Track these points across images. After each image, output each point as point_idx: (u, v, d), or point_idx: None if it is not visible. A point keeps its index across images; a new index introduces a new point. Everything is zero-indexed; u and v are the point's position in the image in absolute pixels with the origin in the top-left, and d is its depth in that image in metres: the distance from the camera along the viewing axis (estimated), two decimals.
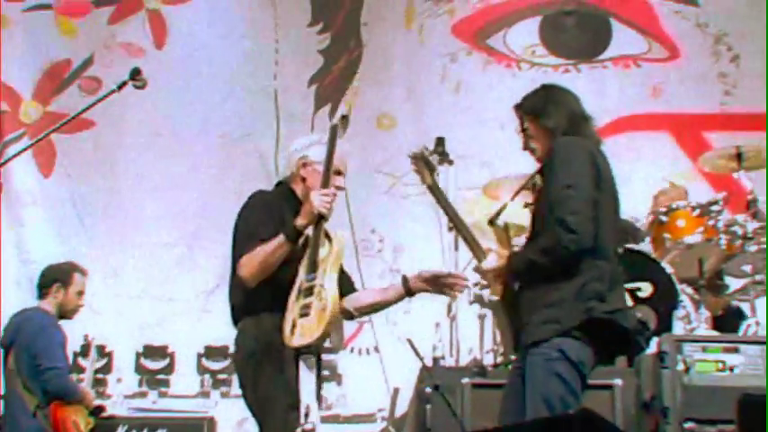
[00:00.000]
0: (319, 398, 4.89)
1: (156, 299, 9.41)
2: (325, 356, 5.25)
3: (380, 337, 6.87)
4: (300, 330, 4.67)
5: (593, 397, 5.16)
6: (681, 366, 6.00)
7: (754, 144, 7.61)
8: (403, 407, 7.29)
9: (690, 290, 7.24)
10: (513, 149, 5.07)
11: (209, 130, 9.91)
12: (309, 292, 4.74)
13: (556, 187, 4.52)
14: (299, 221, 4.85)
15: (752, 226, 7.15)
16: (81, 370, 7.73)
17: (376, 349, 7.28)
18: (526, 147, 4.83)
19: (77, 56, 10.02)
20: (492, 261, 4.75)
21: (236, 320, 5.04)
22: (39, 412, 6.61)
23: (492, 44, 10.06)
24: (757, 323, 7.01)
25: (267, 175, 9.11)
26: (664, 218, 7.35)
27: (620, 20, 9.99)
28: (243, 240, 4.95)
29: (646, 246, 7.49)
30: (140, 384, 8.72)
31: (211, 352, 8.88)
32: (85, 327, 7.81)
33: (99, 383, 8.39)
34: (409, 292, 5.12)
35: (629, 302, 6.72)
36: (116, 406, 8.00)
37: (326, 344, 4.83)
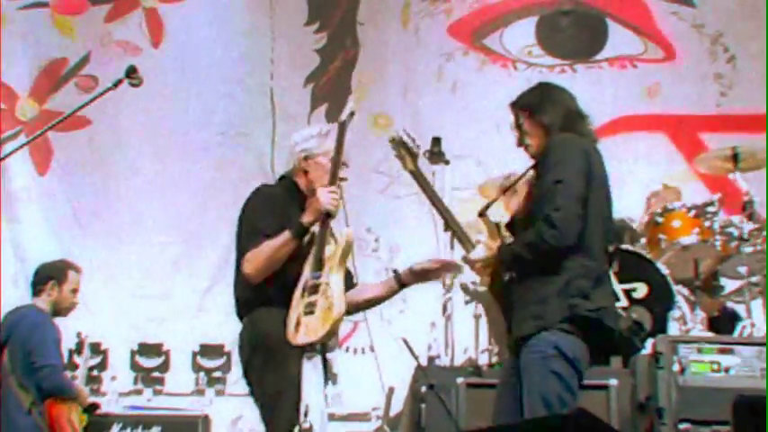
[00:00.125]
0: (326, 396, 4.86)
1: (152, 297, 9.40)
2: None
3: (376, 336, 6.85)
4: (305, 328, 4.67)
5: (588, 397, 5.16)
6: (676, 367, 6.00)
7: (750, 145, 7.62)
8: (398, 406, 7.29)
9: (685, 291, 7.26)
10: (509, 149, 5.07)
11: (206, 129, 9.90)
12: (314, 290, 4.73)
13: (546, 183, 4.54)
14: (306, 218, 4.84)
15: (747, 227, 7.16)
16: (76, 367, 7.72)
17: (371, 348, 7.27)
18: (520, 143, 4.84)
19: (74, 54, 10.02)
20: (480, 252, 4.74)
21: (240, 315, 5.01)
22: (33, 410, 6.60)
23: (488, 44, 10.06)
24: (752, 325, 7.02)
25: (263, 173, 9.12)
26: (659, 219, 7.36)
27: (616, 20, 9.99)
28: (247, 236, 4.93)
29: (641, 247, 7.49)
30: (135, 382, 8.72)
31: (206, 350, 8.88)
32: (81, 324, 7.81)
33: (94, 381, 8.39)
34: (402, 285, 5.13)
35: (625, 303, 6.77)
36: (111, 403, 8.00)
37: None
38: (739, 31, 9.83)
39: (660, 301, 6.89)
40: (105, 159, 9.80)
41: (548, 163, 4.60)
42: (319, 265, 4.79)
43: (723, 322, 7.44)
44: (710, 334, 6.89)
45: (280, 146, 9.51)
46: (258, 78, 10.05)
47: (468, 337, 7.42)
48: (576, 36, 10.05)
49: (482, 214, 4.91)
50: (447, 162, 7.50)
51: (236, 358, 8.82)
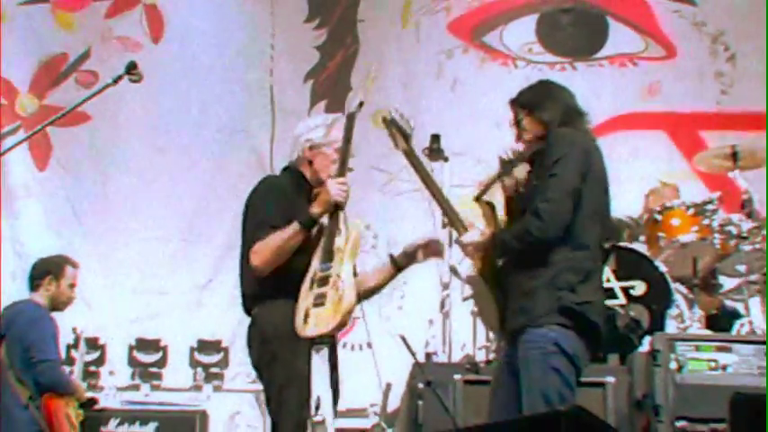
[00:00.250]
0: (336, 390, 4.85)
1: (150, 292, 9.40)
2: None
3: (373, 332, 6.82)
4: (314, 320, 4.64)
5: (585, 394, 5.16)
6: (674, 365, 6.01)
7: (750, 143, 7.61)
8: (395, 402, 7.31)
9: (683, 289, 7.26)
10: (509, 147, 5.06)
11: (205, 125, 9.90)
12: (324, 281, 4.70)
13: (543, 176, 4.55)
14: (315, 210, 4.83)
15: (746, 225, 7.16)
16: (74, 362, 7.72)
17: (368, 345, 7.26)
18: (519, 139, 4.84)
19: (74, 49, 10.01)
20: (473, 235, 4.72)
21: (248, 309, 4.99)
22: (31, 404, 6.61)
23: (488, 42, 10.05)
24: (750, 323, 7.02)
25: (263, 170, 9.11)
26: (658, 216, 7.35)
27: (616, 18, 9.99)
28: (254, 227, 4.90)
29: (640, 244, 7.49)
30: (133, 377, 8.72)
31: (204, 346, 8.88)
32: (79, 319, 7.81)
33: (92, 376, 8.39)
34: (399, 269, 5.13)
35: (623, 300, 6.77)
36: (108, 398, 7.99)
37: None
38: (740, 29, 9.82)
39: (658, 299, 6.89)
40: (105, 155, 9.80)
41: (547, 157, 4.60)
42: (329, 256, 4.76)
43: (721, 320, 7.44)
44: (708, 332, 6.89)
45: (279, 142, 9.51)
46: (258, 75, 10.05)
47: (465, 333, 7.43)
48: (576, 34, 10.04)
49: (478, 198, 4.90)
50: (446, 159, 7.51)
51: (233, 354, 8.95)
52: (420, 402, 6.19)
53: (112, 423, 7.49)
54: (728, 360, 6.05)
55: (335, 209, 4.83)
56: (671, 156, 9.61)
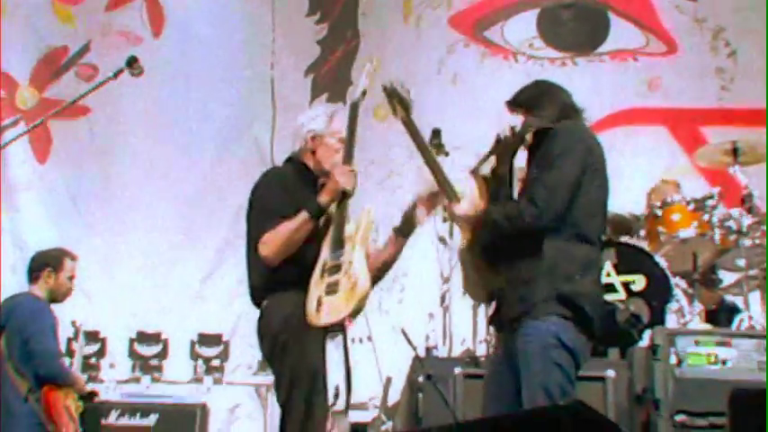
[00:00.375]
0: (349, 380, 4.83)
1: (151, 285, 9.41)
2: None
3: (374, 326, 6.87)
4: (327, 308, 4.63)
5: (585, 388, 5.17)
6: (673, 359, 6.00)
7: (750, 139, 7.61)
8: (395, 396, 7.29)
9: (683, 284, 7.26)
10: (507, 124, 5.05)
11: (206, 119, 9.90)
12: (336, 269, 4.70)
13: (543, 165, 4.55)
14: (323, 198, 4.83)
15: (746, 221, 7.16)
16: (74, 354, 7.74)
17: (369, 338, 7.28)
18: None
19: (74, 43, 10.02)
20: (464, 207, 4.70)
21: (256, 301, 4.97)
22: (30, 396, 6.61)
23: (489, 36, 10.05)
24: (750, 317, 7.02)
25: (263, 163, 9.12)
26: (658, 212, 7.36)
27: (618, 13, 9.99)
28: (262, 219, 4.89)
29: (640, 239, 7.49)
30: (133, 370, 8.73)
31: (205, 338, 8.89)
32: (79, 312, 7.82)
33: (92, 368, 8.40)
34: (405, 237, 5.06)
35: (623, 295, 6.78)
36: (109, 391, 8.00)
37: None
38: (741, 25, 9.83)
39: (658, 294, 6.88)
40: (105, 148, 9.81)
41: (550, 148, 4.59)
42: (340, 244, 4.76)
43: (721, 315, 7.45)
44: (708, 326, 6.90)
45: (279, 135, 9.51)
46: (259, 68, 10.05)
47: (465, 327, 7.42)
48: (577, 29, 10.04)
49: (474, 171, 4.89)
50: (447, 154, 7.49)
51: (233, 347, 8.95)
52: (420, 396, 6.19)
53: (113, 415, 7.51)
54: (728, 355, 6.04)
55: (343, 197, 4.84)
56: (671, 151, 9.62)
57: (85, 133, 9.80)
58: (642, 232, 7.55)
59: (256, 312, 5.04)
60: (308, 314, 4.68)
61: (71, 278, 7.03)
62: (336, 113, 5.14)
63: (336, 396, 4.60)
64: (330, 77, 9.99)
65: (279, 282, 4.84)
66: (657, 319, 6.80)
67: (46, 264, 6.98)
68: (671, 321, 6.90)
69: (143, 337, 8.91)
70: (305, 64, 10.06)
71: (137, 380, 8.66)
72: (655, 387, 5.98)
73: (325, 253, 4.80)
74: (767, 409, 4.29)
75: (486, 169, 4.87)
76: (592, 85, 9.46)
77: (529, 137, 4.73)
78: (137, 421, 7.53)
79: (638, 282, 6.88)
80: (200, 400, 7.89)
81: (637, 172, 8.76)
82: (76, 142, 9.81)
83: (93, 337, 8.53)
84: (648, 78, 9.86)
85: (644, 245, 7.32)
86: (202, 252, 9.51)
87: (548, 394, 4.39)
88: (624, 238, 7.32)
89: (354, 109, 4.98)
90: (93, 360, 8.53)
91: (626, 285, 6.84)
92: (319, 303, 4.66)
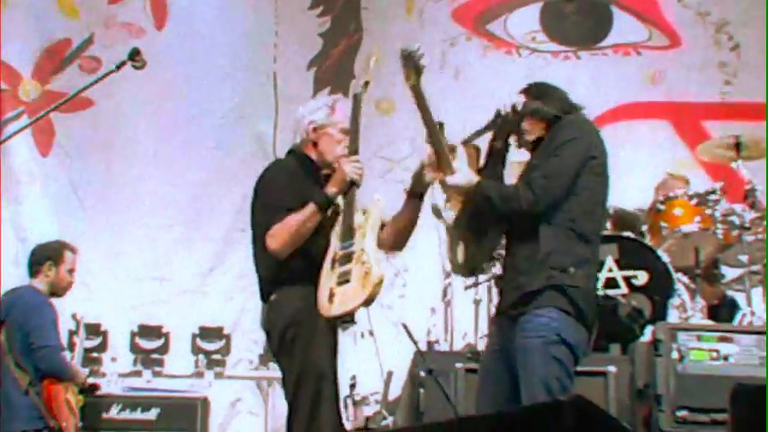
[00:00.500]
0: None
1: (152, 279, 9.42)
2: None
3: (375, 321, 6.86)
4: (340, 298, 4.61)
5: (586, 384, 5.17)
6: (675, 355, 6.00)
7: (753, 134, 7.60)
8: (396, 390, 7.30)
9: (685, 279, 7.25)
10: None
11: (208, 112, 9.89)
12: (347, 259, 4.67)
13: (544, 155, 4.56)
14: (331, 190, 4.82)
15: (749, 216, 7.15)
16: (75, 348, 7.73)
17: (370, 333, 7.27)
18: (521, 145, 4.84)
19: (77, 35, 10.00)
20: (457, 178, 4.69)
21: (265, 295, 4.95)
22: (31, 390, 6.62)
23: (492, 30, 10.04)
24: (752, 313, 7.02)
25: (266, 156, 9.10)
26: (661, 206, 7.35)
27: (620, 7, 9.98)
28: (268, 211, 4.87)
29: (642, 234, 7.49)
30: (135, 363, 8.70)
31: (206, 332, 8.87)
32: (81, 305, 7.82)
33: (93, 362, 8.39)
34: (419, 196, 5.03)
35: (625, 290, 6.77)
36: (110, 384, 7.98)
37: None
38: (744, 19, 9.82)
39: (660, 289, 6.88)
40: (107, 141, 9.80)
41: (554, 139, 4.60)
42: (350, 234, 4.74)
43: (723, 310, 7.45)
44: (710, 322, 6.90)
45: (282, 129, 9.50)
46: (261, 61, 10.05)
47: (467, 322, 7.43)
48: (580, 23, 10.03)
49: (465, 142, 4.88)
50: None
51: (235, 341, 8.95)
52: (421, 391, 6.19)
53: (114, 409, 7.50)
54: (730, 350, 6.04)
55: (351, 187, 4.83)
56: (674, 145, 9.61)
57: (88, 126, 9.78)
58: (644, 227, 7.54)
59: (258, 307, 5.03)
60: (320, 306, 4.65)
61: (71, 271, 7.02)
62: (337, 104, 5.13)
63: (353, 386, 4.59)
64: (333, 71, 9.98)
65: (287, 274, 4.82)
66: (659, 314, 6.79)
67: (46, 257, 6.97)
68: (673, 316, 6.89)
69: (144, 331, 8.89)
70: (307, 57, 10.05)
71: (138, 373, 8.63)
72: (656, 382, 5.98)
73: (335, 244, 4.79)
74: None
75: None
76: (594, 79, 9.46)
77: (538, 129, 4.73)
78: (138, 415, 7.52)
79: (641, 277, 6.88)
80: (202, 394, 7.88)
81: (639, 166, 8.75)
82: (79, 135, 9.80)
83: (94, 330, 8.52)
84: (651, 72, 9.85)
85: (646, 239, 7.31)
86: (204, 245, 9.51)
87: (547, 389, 4.39)
88: (627, 233, 7.31)
89: (357, 100, 4.98)
90: (94, 353, 8.51)
91: (628, 280, 6.84)
92: (331, 294, 4.63)
